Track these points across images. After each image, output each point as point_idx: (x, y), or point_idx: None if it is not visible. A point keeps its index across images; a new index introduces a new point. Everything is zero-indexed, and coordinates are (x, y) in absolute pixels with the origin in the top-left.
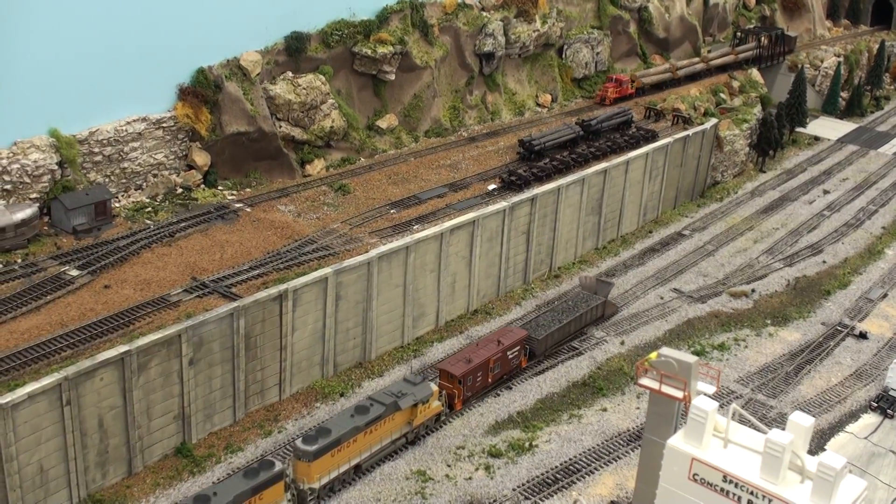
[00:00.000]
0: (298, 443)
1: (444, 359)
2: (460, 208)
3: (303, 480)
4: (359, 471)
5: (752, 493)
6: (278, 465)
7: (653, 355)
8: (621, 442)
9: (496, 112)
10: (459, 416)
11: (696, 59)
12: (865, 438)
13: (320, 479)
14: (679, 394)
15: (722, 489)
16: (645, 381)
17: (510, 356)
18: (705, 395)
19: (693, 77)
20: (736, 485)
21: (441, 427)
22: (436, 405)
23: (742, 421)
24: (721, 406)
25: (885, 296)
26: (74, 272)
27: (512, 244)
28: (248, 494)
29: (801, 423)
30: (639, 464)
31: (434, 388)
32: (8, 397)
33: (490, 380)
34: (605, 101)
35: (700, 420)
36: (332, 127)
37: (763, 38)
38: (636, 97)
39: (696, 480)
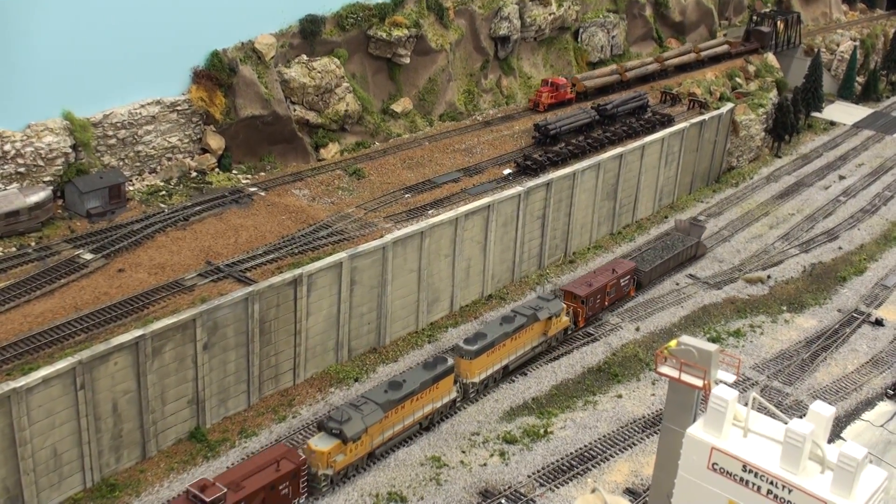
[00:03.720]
0: (461, 343)
1: (569, 282)
2: (475, 193)
3: (465, 375)
4: (507, 371)
5: (771, 482)
6: (450, 361)
7: (672, 343)
8: (636, 429)
9: (511, 96)
10: (472, 405)
11: (649, 60)
12: (882, 426)
13: (479, 375)
14: (699, 382)
15: (741, 479)
16: (664, 369)
17: (622, 284)
18: (725, 383)
19: (645, 79)
20: (756, 474)
21: (568, 338)
22: (564, 320)
23: (761, 410)
24: (738, 392)
25: None
26: (88, 256)
27: (527, 229)
28: (430, 383)
29: (822, 412)
30: (657, 452)
31: (563, 304)
32: (22, 381)
33: (606, 302)
34: (539, 108)
35: (720, 409)
36: (346, 111)
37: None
38: (578, 102)
39: (715, 470)
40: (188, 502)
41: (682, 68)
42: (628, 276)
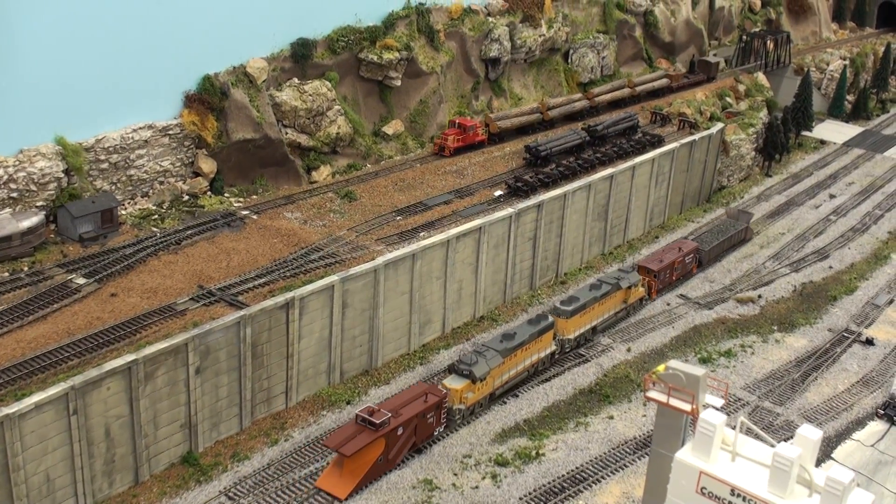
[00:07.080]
0: (558, 304)
1: (643, 258)
2: (466, 215)
3: (562, 332)
4: (595, 332)
5: None
6: (550, 319)
7: (661, 368)
8: (628, 450)
9: None
10: (464, 427)
11: (577, 96)
12: (872, 446)
13: (574, 332)
14: (687, 407)
15: (730, 503)
16: (653, 393)
17: (687, 261)
18: (713, 407)
19: (572, 117)
20: (744, 499)
21: (644, 306)
22: (641, 290)
23: (749, 433)
24: (727, 413)
25: (891, 301)
26: (81, 280)
27: (518, 251)
28: (535, 336)
29: (809, 436)
30: (646, 476)
31: (639, 277)
32: (15, 407)
33: (674, 277)
34: (444, 153)
35: (708, 433)
36: (338, 133)
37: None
38: (491, 144)
39: (704, 494)
40: (358, 426)
41: (616, 104)
42: (692, 255)
